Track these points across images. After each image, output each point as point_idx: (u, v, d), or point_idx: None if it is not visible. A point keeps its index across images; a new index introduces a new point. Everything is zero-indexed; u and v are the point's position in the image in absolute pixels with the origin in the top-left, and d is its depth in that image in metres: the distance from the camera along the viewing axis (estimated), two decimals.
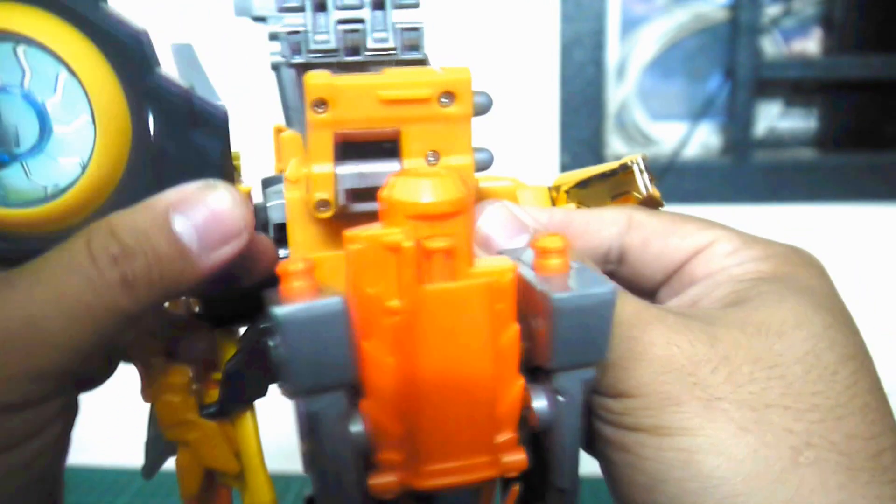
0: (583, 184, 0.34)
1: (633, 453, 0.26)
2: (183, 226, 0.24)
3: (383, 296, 0.22)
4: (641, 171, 0.33)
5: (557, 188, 0.35)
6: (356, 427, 0.23)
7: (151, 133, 0.25)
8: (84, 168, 0.25)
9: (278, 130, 0.28)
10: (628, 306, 0.26)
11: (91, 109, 0.25)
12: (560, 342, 0.23)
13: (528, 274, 0.24)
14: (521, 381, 0.24)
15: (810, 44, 1.12)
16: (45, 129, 0.25)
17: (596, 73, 0.99)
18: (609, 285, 0.22)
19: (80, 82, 0.25)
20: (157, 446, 0.33)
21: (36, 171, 0.25)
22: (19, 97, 0.25)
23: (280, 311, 0.20)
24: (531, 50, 0.97)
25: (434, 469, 0.24)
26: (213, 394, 0.31)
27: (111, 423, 0.80)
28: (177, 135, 0.26)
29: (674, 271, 0.31)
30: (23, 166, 0.25)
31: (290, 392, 0.22)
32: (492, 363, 0.23)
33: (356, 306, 0.22)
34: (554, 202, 0.35)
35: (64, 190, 0.25)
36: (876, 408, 0.26)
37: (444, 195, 0.22)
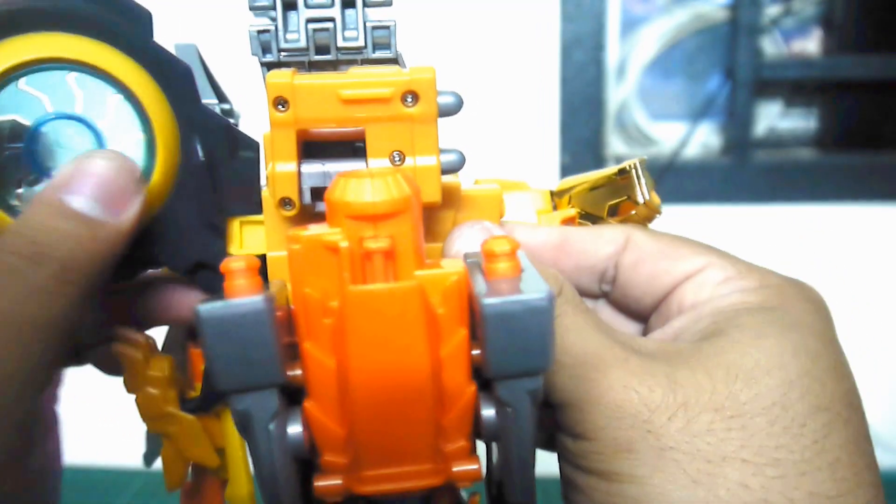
0: (593, 187, 0.34)
1: (586, 496, 0.25)
2: (78, 201, 0.24)
3: (323, 296, 0.22)
4: (639, 177, 0.32)
5: (560, 193, 0.35)
6: (294, 428, 0.23)
7: (200, 156, 0.28)
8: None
9: None
10: (591, 344, 0.25)
11: (150, 128, 0.27)
12: (494, 349, 0.21)
13: (476, 278, 0.23)
14: (472, 389, 0.23)
15: (810, 44, 1.11)
16: (101, 146, 0.27)
17: (596, 73, 0.99)
18: (544, 291, 0.21)
19: (140, 102, 0.27)
20: (157, 435, 0.34)
21: None
22: (77, 120, 0.27)
23: (202, 308, 0.20)
24: (531, 50, 0.97)
25: (374, 474, 0.23)
26: (199, 387, 0.32)
27: (111, 424, 0.80)
28: (221, 158, 0.28)
29: (662, 297, 0.30)
30: None
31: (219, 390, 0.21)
32: (430, 368, 0.22)
33: (298, 306, 0.22)
34: (556, 207, 0.35)
35: None
36: (848, 464, 0.24)
37: (384, 195, 0.21)
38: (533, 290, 0.21)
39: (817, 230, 1.00)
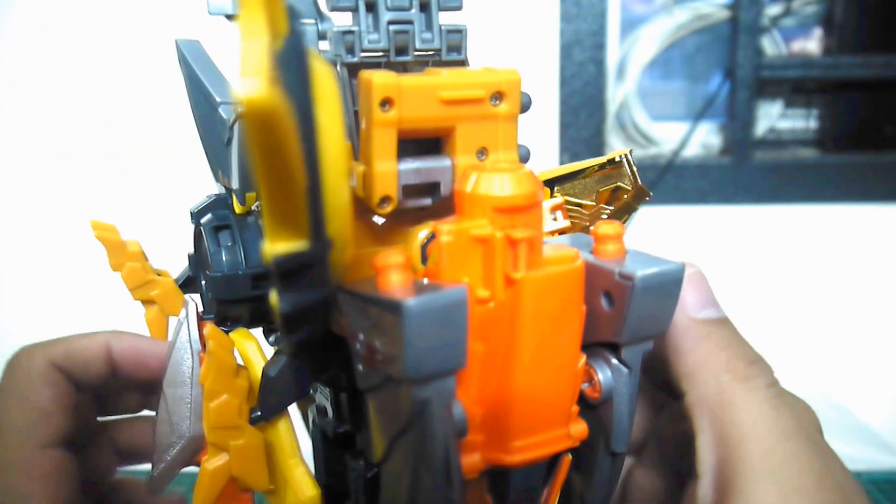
0: (568, 177, 0.36)
1: None
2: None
3: (472, 285, 0.23)
4: (631, 165, 0.34)
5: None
6: (457, 409, 0.24)
7: None
8: None
9: None
10: None
11: None
12: (634, 317, 0.24)
13: (591, 258, 0.25)
14: (583, 357, 0.26)
15: (810, 44, 1.12)
16: None
17: (596, 73, 0.99)
18: (678, 263, 0.25)
19: None
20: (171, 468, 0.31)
21: None
22: None
23: (409, 302, 0.20)
24: (531, 50, 0.97)
25: (521, 444, 0.25)
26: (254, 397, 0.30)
27: None
28: None
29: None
30: None
31: (404, 381, 0.22)
32: (580, 340, 0.25)
33: None
34: None
35: None
36: None
37: (525, 189, 0.24)
38: (660, 263, 0.25)
39: (817, 230, 1.00)
